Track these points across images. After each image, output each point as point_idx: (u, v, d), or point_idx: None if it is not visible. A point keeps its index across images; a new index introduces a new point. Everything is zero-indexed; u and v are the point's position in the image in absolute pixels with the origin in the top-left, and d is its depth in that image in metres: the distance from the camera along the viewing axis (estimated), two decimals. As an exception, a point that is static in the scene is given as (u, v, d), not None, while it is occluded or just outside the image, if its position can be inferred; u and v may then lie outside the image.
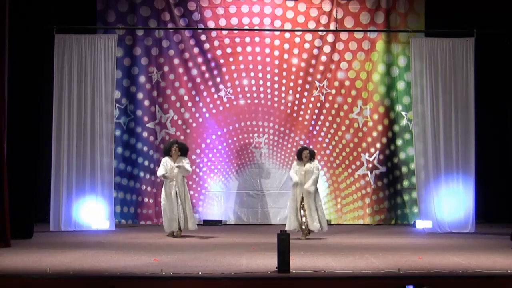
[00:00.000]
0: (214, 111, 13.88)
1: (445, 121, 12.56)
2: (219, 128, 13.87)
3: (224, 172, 13.84)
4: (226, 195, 13.80)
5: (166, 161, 11.57)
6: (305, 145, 12.81)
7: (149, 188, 13.70)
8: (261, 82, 13.89)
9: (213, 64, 13.85)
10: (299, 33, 13.82)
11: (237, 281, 7.60)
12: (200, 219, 13.61)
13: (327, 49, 13.86)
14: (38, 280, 7.59)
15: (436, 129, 12.57)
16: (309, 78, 13.88)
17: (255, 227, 13.29)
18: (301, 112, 13.88)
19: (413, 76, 12.75)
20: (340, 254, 9.34)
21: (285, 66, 13.87)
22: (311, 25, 13.81)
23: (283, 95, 13.87)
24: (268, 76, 13.88)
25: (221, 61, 13.86)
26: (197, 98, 13.85)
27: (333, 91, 13.89)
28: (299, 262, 8.34)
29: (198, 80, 13.85)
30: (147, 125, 13.80)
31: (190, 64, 13.83)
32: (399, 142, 13.89)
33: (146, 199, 13.69)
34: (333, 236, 11.66)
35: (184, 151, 11.70)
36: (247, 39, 13.89)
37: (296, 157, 11.66)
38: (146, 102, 13.81)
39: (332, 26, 13.59)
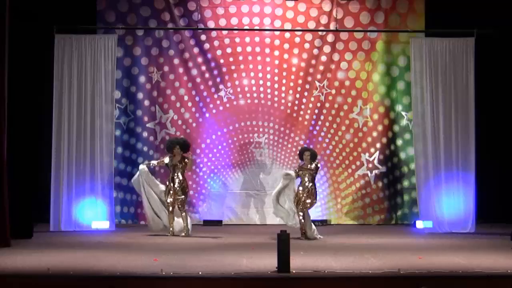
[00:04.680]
0: (214, 111, 13.87)
1: (445, 121, 12.56)
2: (219, 128, 13.87)
3: (224, 172, 13.84)
4: (226, 195, 13.80)
5: (166, 159, 11.70)
6: (306, 146, 12.78)
7: (149, 188, 13.69)
8: (261, 82, 13.89)
9: (213, 64, 13.84)
10: (299, 33, 13.82)
11: (237, 281, 7.59)
12: (200, 219, 13.61)
13: (327, 49, 13.86)
14: (38, 280, 7.58)
15: (436, 129, 12.57)
16: (309, 78, 13.88)
17: (255, 227, 13.29)
18: (301, 112, 13.88)
19: (413, 76, 12.76)
20: (340, 254, 9.34)
21: (285, 66, 13.87)
22: (311, 25, 13.81)
23: (283, 95, 13.87)
24: (268, 76, 13.88)
25: (221, 61, 13.86)
26: (197, 98, 13.85)
27: (333, 91, 13.89)
28: (299, 262, 8.34)
29: (198, 80, 13.85)
30: (147, 125, 13.80)
31: (190, 64, 13.83)
32: (399, 142, 13.89)
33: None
34: (333, 236, 11.67)
35: (185, 148, 11.71)
36: (247, 39, 13.88)
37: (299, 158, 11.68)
38: (146, 102, 13.81)
39: (332, 26, 13.59)
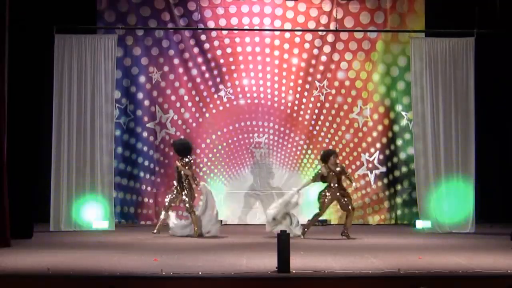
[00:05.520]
0: (214, 111, 13.87)
1: (445, 121, 12.56)
2: (219, 128, 13.87)
3: (224, 172, 13.84)
4: (226, 195, 13.80)
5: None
6: (330, 149, 12.72)
7: (149, 188, 13.69)
8: (261, 82, 13.88)
9: (213, 64, 13.84)
10: (299, 33, 13.82)
11: (237, 281, 7.59)
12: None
13: (327, 49, 13.86)
14: (38, 280, 7.58)
15: (436, 129, 12.57)
16: (309, 78, 13.88)
17: (255, 227, 13.28)
18: (301, 112, 13.87)
19: (413, 76, 12.75)
20: (340, 254, 9.34)
21: (285, 66, 13.87)
22: (311, 25, 13.81)
23: (283, 95, 13.86)
24: (268, 76, 13.87)
25: (221, 61, 13.85)
26: (197, 98, 13.85)
27: (333, 91, 13.89)
28: (299, 262, 8.34)
29: (198, 80, 13.84)
30: (147, 125, 13.80)
31: (190, 64, 13.83)
32: (399, 142, 13.89)
33: (146, 199, 13.69)
34: (333, 236, 11.66)
35: (180, 152, 11.67)
36: (247, 39, 13.88)
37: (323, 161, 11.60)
38: (146, 102, 13.81)
39: (332, 26, 13.58)
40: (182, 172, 11.52)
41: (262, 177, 13.88)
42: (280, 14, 13.80)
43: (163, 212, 11.70)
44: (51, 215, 12.30)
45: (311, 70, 13.86)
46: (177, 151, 11.70)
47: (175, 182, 11.66)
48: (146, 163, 13.72)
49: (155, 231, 11.56)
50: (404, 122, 13.84)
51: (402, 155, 13.87)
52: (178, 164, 11.57)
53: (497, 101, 13.44)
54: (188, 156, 11.65)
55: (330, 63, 13.87)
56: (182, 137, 13.35)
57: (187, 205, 11.57)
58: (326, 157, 11.54)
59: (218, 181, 13.81)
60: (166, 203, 11.67)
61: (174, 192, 11.62)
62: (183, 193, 11.52)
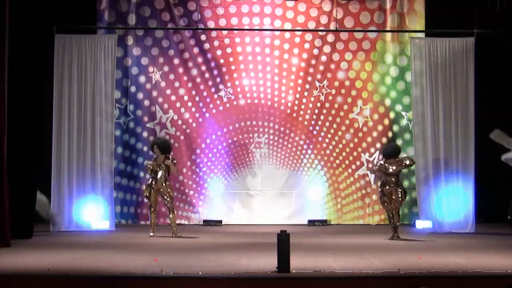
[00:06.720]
0: (214, 111, 13.87)
1: (445, 121, 12.56)
2: (219, 128, 13.87)
3: (224, 172, 13.84)
4: (226, 195, 13.80)
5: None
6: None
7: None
8: (261, 82, 13.89)
9: (213, 64, 13.84)
10: (299, 33, 13.82)
11: (237, 281, 7.60)
12: (200, 219, 13.62)
13: (327, 49, 13.86)
14: (38, 280, 7.59)
15: (436, 129, 12.57)
16: (309, 78, 13.88)
17: (255, 227, 13.29)
18: (301, 112, 13.87)
19: (413, 76, 12.76)
20: (340, 254, 9.34)
21: (285, 66, 13.87)
22: (311, 25, 13.81)
23: (283, 95, 13.86)
24: (268, 76, 13.87)
25: (221, 61, 13.86)
26: (197, 98, 13.85)
27: (333, 91, 13.89)
28: (299, 262, 8.34)
29: (198, 80, 13.85)
30: (147, 125, 13.80)
31: (190, 64, 13.83)
32: (399, 142, 13.87)
33: (146, 199, 13.66)
34: (333, 236, 11.67)
35: (163, 149, 11.59)
36: (247, 39, 13.88)
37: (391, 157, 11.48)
38: (146, 102, 13.81)
39: (332, 26, 13.59)
40: (163, 169, 11.45)
41: (262, 177, 13.88)
42: (280, 14, 13.81)
43: (152, 215, 11.66)
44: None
45: (311, 70, 13.87)
46: (162, 148, 11.62)
47: (153, 180, 11.55)
48: (146, 163, 13.71)
49: (151, 234, 11.53)
50: (404, 122, 13.84)
51: (402, 155, 13.83)
52: (167, 161, 11.49)
53: (497, 101, 13.43)
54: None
55: (330, 63, 13.87)
56: (168, 137, 13.33)
57: (170, 204, 11.50)
58: (398, 151, 11.49)
59: (218, 181, 13.81)
60: (152, 203, 11.61)
61: (153, 189, 11.52)
62: (168, 190, 11.47)
